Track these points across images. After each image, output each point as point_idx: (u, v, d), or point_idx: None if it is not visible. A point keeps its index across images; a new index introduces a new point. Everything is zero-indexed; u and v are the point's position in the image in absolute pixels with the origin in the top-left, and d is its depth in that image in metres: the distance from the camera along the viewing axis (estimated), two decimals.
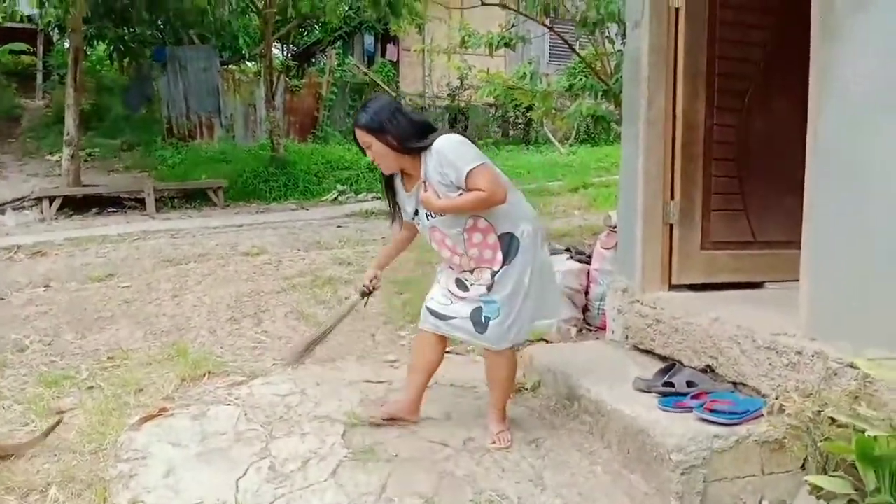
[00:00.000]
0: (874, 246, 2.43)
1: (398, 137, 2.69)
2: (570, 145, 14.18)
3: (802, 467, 2.62)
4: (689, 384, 2.90)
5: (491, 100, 14.65)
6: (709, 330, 3.08)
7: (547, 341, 4.04)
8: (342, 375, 3.53)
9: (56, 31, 12.37)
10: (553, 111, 4.95)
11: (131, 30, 11.58)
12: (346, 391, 3.31)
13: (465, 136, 2.82)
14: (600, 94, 4.40)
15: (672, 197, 3.55)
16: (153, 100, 12.80)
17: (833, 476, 2.32)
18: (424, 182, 2.75)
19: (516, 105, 14.36)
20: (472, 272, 2.85)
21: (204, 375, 3.46)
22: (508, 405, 3.26)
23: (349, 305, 3.24)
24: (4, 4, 7.73)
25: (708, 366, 3.09)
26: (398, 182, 2.90)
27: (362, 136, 2.73)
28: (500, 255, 2.78)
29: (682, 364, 3.17)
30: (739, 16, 3.53)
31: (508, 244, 2.77)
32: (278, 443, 2.80)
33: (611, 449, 2.85)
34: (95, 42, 11.77)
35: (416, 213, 2.86)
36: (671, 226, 3.58)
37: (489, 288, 2.78)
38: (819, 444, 2.44)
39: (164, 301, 4.59)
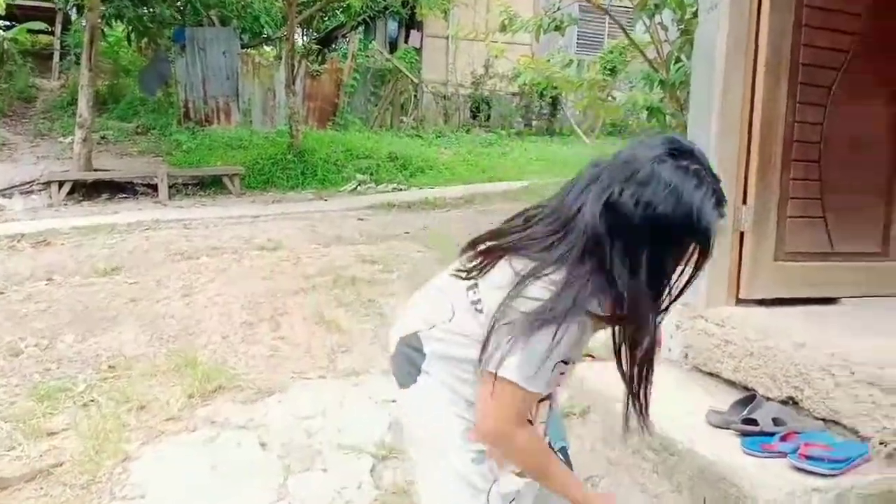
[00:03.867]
0: None
1: None
2: (596, 137, 13.72)
3: None
4: (776, 422, 2.49)
5: (515, 89, 14.24)
6: (794, 357, 2.67)
7: (593, 357, 3.64)
8: (367, 393, 3.16)
9: (74, 10, 12.06)
10: (599, 101, 4.55)
11: (150, 10, 11.23)
12: (372, 413, 2.94)
13: None
14: (656, 84, 3.98)
15: (745, 202, 3.15)
16: (170, 82, 12.50)
17: None
18: None
19: (542, 95, 13.96)
20: None
21: (214, 391, 3.10)
22: None
23: None
24: None
25: (790, 397, 2.69)
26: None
27: None
28: None
29: (758, 394, 2.76)
30: None
31: None
32: (298, 479, 2.45)
33: (681, 493, 2.46)
34: (113, 22, 11.43)
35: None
36: (741, 233, 3.17)
37: None
38: None
39: (174, 300, 4.24)
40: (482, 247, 1.48)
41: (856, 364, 2.45)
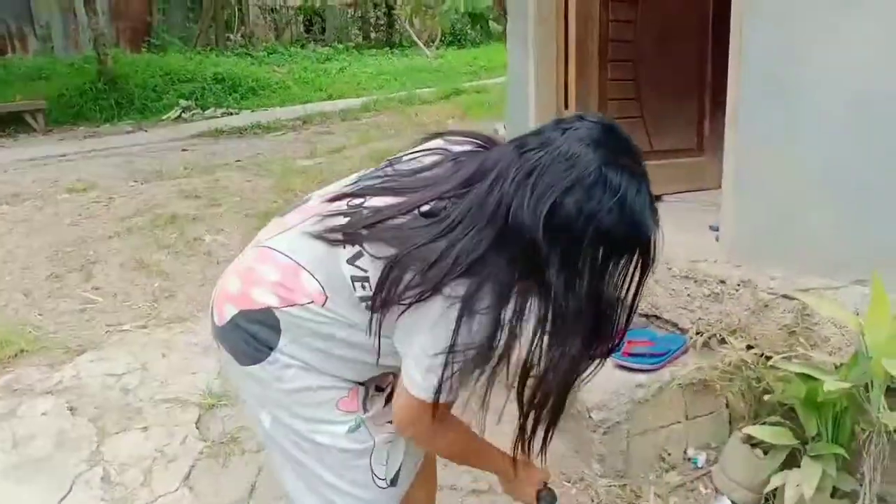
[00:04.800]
0: (809, 159, 2.11)
1: None
2: (437, 48, 13.49)
3: (726, 405, 2.40)
4: None
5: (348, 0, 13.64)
6: None
7: None
8: (194, 340, 2.95)
9: None
10: (423, 9, 4.34)
11: None
12: (200, 361, 2.74)
13: None
14: None
15: (566, 106, 3.14)
16: None
17: (770, 424, 2.07)
18: None
19: (376, 5, 13.47)
20: None
21: (14, 356, 2.77)
22: None
23: None
24: None
25: None
26: None
27: None
28: None
29: None
30: None
31: None
32: (113, 442, 2.24)
33: (516, 402, 2.49)
34: None
35: None
36: None
37: None
38: (752, 385, 2.19)
39: None
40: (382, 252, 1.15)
41: (672, 260, 2.54)
